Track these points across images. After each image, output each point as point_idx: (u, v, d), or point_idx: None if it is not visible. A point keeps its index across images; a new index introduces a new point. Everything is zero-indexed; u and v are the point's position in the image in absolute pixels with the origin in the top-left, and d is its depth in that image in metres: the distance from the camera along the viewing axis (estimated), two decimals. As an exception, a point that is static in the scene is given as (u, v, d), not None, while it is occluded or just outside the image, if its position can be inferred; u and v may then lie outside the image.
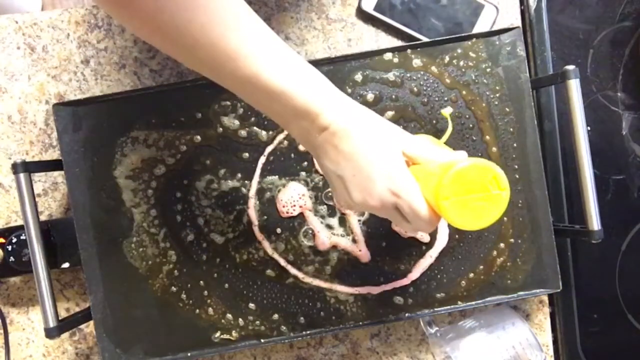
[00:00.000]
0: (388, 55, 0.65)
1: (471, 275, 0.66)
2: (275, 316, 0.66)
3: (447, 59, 0.65)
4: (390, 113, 0.65)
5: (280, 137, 0.65)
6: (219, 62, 0.46)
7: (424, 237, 0.65)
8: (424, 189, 0.47)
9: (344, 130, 0.47)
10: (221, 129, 0.65)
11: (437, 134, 0.65)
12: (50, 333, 0.60)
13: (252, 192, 0.65)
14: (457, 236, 0.65)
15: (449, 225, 0.65)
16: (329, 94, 0.48)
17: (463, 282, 0.65)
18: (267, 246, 0.65)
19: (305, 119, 0.48)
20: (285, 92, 0.46)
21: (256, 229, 0.65)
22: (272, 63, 0.46)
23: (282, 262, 0.65)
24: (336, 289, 0.65)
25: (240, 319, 0.66)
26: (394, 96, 0.65)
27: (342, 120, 0.47)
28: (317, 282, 0.65)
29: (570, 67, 0.60)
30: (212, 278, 0.65)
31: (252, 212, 0.65)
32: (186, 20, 0.44)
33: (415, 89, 0.65)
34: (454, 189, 0.45)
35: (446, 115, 0.63)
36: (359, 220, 0.65)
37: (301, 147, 0.65)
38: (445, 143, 0.57)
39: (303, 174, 0.65)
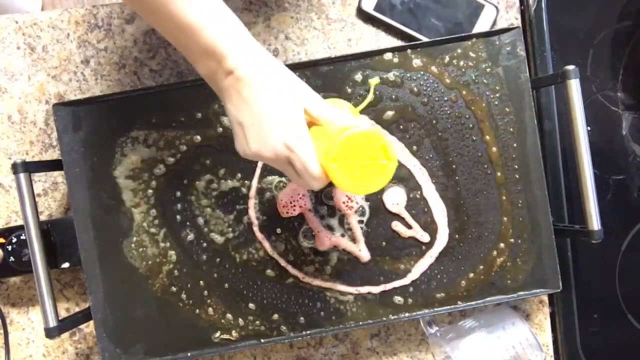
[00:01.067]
0: (388, 55, 0.65)
1: (471, 275, 0.66)
2: (275, 316, 0.66)
3: (447, 59, 0.65)
4: (390, 113, 0.65)
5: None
6: None
7: (424, 237, 0.65)
8: (318, 149, 0.48)
9: (249, 77, 0.47)
10: (221, 129, 0.65)
11: (438, 134, 0.65)
12: (50, 333, 0.60)
13: (252, 192, 0.65)
14: (457, 236, 0.65)
15: (449, 225, 0.65)
16: (239, 39, 0.48)
17: (463, 282, 0.65)
18: (267, 246, 0.65)
19: (212, 59, 0.48)
20: (194, 26, 0.47)
21: (256, 229, 0.65)
22: None
23: (282, 262, 0.65)
24: (336, 289, 0.65)
25: (240, 319, 0.66)
26: (394, 96, 0.65)
27: (248, 67, 0.47)
28: (317, 282, 0.65)
29: (570, 67, 0.60)
30: (212, 278, 0.65)
31: (252, 212, 0.65)
32: None
33: (415, 89, 0.65)
34: (343, 153, 0.47)
35: (371, 84, 0.63)
36: (359, 221, 0.65)
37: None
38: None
39: (303, 174, 0.65)
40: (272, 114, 0.47)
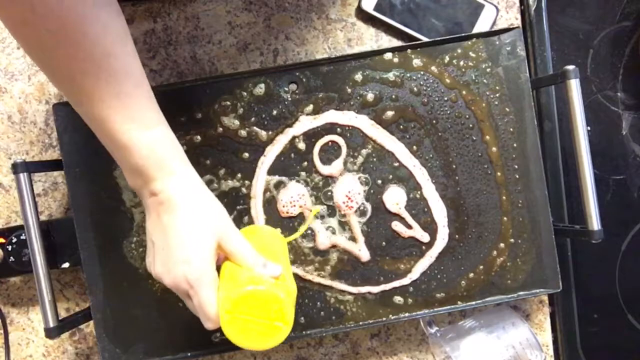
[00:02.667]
0: (388, 55, 0.65)
1: (471, 275, 0.66)
2: (275, 316, 0.66)
3: (447, 59, 0.65)
4: (390, 113, 0.65)
5: (281, 137, 0.65)
6: (76, 94, 0.47)
7: (424, 237, 0.65)
8: (223, 288, 0.48)
9: (170, 203, 0.49)
10: (221, 129, 0.65)
11: (438, 134, 0.65)
12: (50, 333, 0.60)
13: (252, 192, 0.65)
14: (457, 236, 0.65)
15: (449, 225, 0.65)
16: (169, 164, 0.49)
17: (463, 282, 0.65)
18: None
19: (139, 178, 0.49)
20: (126, 146, 0.47)
21: (256, 229, 0.65)
22: (121, 115, 0.46)
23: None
24: (336, 289, 0.65)
25: (240, 319, 0.65)
26: (394, 96, 0.65)
27: (171, 193, 0.49)
28: (317, 282, 0.65)
29: (570, 67, 0.60)
30: (212, 278, 0.65)
31: (252, 212, 0.65)
32: (52, 43, 0.43)
33: (415, 89, 0.65)
34: (239, 307, 0.47)
35: (312, 213, 0.64)
36: (359, 221, 0.65)
37: (301, 147, 0.65)
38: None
39: (303, 174, 0.65)
40: (182, 247, 0.48)
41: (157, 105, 0.50)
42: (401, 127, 0.65)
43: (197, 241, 0.49)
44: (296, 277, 0.65)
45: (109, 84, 0.46)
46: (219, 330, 0.65)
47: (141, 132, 0.47)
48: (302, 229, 0.62)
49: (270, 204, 0.65)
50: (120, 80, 0.46)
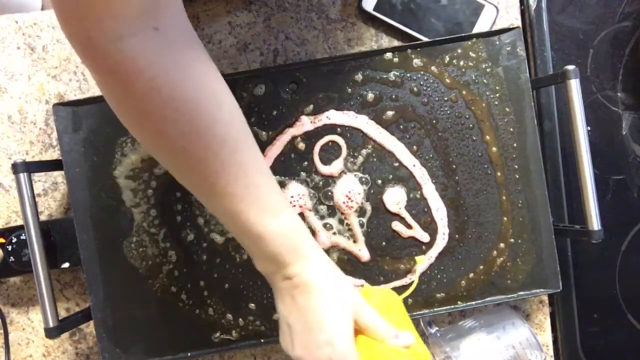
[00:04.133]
0: (388, 55, 0.65)
1: (471, 275, 0.66)
2: (276, 316, 0.65)
3: (447, 59, 0.65)
4: (390, 113, 0.65)
5: (281, 137, 0.65)
6: (208, 194, 0.48)
7: (424, 237, 0.65)
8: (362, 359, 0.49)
9: (305, 286, 0.49)
10: (221, 129, 0.65)
11: (438, 134, 0.65)
12: (50, 333, 0.60)
13: (252, 192, 0.65)
14: (457, 236, 0.65)
15: (449, 225, 0.65)
16: (302, 248, 0.49)
17: (463, 282, 0.65)
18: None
19: (273, 264, 0.50)
20: (260, 236, 0.48)
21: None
22: (255, 207, 0.47)
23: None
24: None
25: (240, 319, 0.66)
26: (394, 96, 0.65)
27: (307, 277, 0.49)
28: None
29: (570, 67, 0.60)
30: (212, 278, 0.65)
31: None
32: (185, 150, 0.45)
33: (415, 89, 0.65)
34: None
35: (419, 261, 0.64)
36: (359, 221, 0.65)
37: (301, 147, 0.65)
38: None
39: (303, 174, 0.65)
40: (324, 328, 0.48)
41: (278, 185, 0.50)
42: (401, 127, 0.65)
43: (337, 321, 0.49)
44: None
45: (238, 179, 0.46)
46: (219, 330, 0.65)
47: (273, 220, 0.48)
48: (414, 285, 0.63)
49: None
50: (248, 172, 0.47)
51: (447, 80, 0.65)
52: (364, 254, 0.65)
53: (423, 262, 0.64)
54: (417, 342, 0.52)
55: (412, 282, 0.64)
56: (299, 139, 0.65)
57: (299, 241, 0.50)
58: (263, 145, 0.65)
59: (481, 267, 0.65)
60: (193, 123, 0.43)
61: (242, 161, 0.47)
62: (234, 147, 0.46)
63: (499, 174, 0.65)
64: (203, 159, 0.45)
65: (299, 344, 0.49)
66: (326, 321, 0.48)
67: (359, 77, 0.65)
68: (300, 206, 0.65)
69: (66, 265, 0.66)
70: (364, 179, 0.65)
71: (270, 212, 0.48)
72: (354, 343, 0.49)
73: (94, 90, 0.70)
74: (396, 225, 0.65)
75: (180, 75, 0.42)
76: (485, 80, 0.65)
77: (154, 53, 0.41)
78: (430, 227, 0.65)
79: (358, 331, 0.51)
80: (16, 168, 0.59)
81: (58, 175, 0.70)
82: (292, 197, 0.65)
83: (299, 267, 0.49)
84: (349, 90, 0.65)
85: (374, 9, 0.68)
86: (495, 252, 0.65)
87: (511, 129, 0.65)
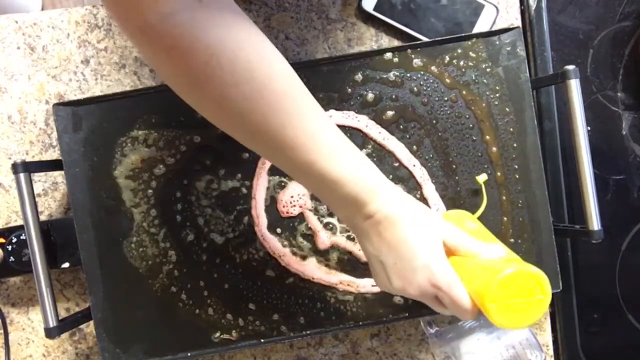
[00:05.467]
0: (388, 55, 0.65)
1: (471, 275, 0.65)
2: (275, 316, 0.66)
3: (447, 59, 0.65)
4: (390, 113, 0.65)
5: (280, 137, 0.65)
6: (277, 149, 0.48)
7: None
8: (465, 282, 0.49)
9: (389, 220, 0.49)
10: (221, 129, 0.65)
11: (438, 134, 0.65)
12: (50, 333, 0.60)
13: (253, 192, 0.65)
14: (457, 236, 0.65)
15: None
16: (377, 184, 0.50)
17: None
18: (267, 246, 0.65)
19: (352, 205, 0.50)
20: (336, 181, 0.48)
21: (256, 229, 0.65)
22: (325, 153, 0.48)
23: (282, 262, 0.65)
24: (336, 289, 0.65)
25: (240, 319, 0.66)
26: (394, 96, 0.65)
27: (388, 210, 0.49)
28: (317, 282, 0.65)
29: (570, 67, 0.60)
30: (212, 278, 0.65)
31: (253, 213, 0.65)
32: (249, 110, 0.46)
33: (415, 89, 0.65)
34: (500, 294, 0.47)
35: (480, 182, 0.64)
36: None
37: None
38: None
39: (303, 174, 0.65)
40: (417, 255, 0.48)
41: (338, 129, 0.51)
42: (401, 127, 0.65)
43: (429, 246, 0.49)
44: (296, 277, 0.65)
45: (304, 129, 0.47)
46: (219, 330, 0.65)
47: (345, 161, 0.48)
48: (484, 203, 0.63)
49: (270, 204, 0.65)
50: (313, 121, 0.48)
51: (447, 80, 0.65)
52: (364, 254, 0.65)
53: (485, 178, 0.64)
54: (508, 253, 0.52)
55: (483, 201, 0.63)
56: (299, 139, 0.65)
57: (375, 179, 0.50)
58: (263, 145, 0.65)
59: (481, 267, 0.65)
60: (252, 83, 0.45)
61: (304, 111, 0.48)
62: (293, 98, 0.47)
63: (499, 174, 0.65)
64: (267, 115, 0.46)
65: (396, 276, 0.49)
66: (417, 248, 0.48)
67: (359, 77, 0.65)
68: (301, 206, 0.65)
69: (66, 265, 0.66)
70: (364, 179, 0.65)
71: (342, 156, 0.48)
72: (447, 262, 0.49)
73: (94, 90, 0.70)
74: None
75: (231, 40, 0.44)
76: (485, 80, 0.65)
77: (205, 23, 0.43)
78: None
79: (449, 253, 0.51)
80: (16, 168, 0.59)
81: (58, 175, 0.70)
82: (292, 197, 0.65)
83: (379, 203, 0.49)
84: (349, 90, 0.65)
85: (374, 9, 0.68)
86: (495, 252, 0.65)
87: (511, 129, 0.65)
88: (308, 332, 0.66)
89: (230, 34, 0.45)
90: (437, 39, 0.65)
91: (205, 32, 0.43)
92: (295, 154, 0.47)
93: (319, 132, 0.48)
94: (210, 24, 0.44)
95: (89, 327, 0.71)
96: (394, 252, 0.49)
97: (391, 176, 0.65)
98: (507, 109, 0.65)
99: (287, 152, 0.48)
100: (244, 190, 0.65)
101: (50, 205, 0.70)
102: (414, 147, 0.65)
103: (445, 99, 0.65)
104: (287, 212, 0.65)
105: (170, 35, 0.43)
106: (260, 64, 0.46)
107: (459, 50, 0.65)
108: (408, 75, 0.65)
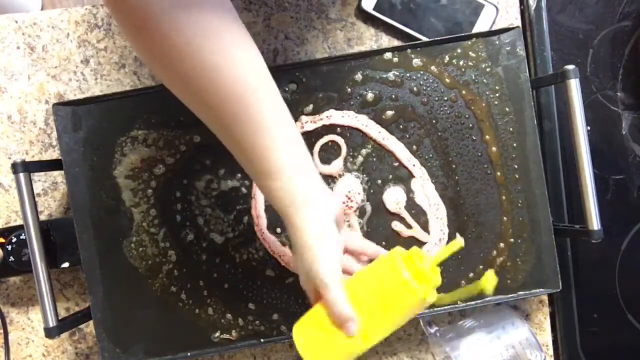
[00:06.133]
0: (388, 55, 0.65)
1: (471, 275, 0.65)
2: (275, 316, 0.66)
3: (447, 59, 0.65)
4: (390, 113, 0.65)
5: (280, 137, 0.65)
6: (222, 135, 0.51)
7: (424, 237, 0.65)
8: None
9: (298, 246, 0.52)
10: (221, 129, 0.65)
11: (438, 134, 0.65)
12: (50, 333, 0.60)
13: (253, 192, 0.65)
14: (457, 236, 0.65)
15: (449, 226, 0.65)
16: (288, 216, 0.52)
17: (463, 282, 0.65)
18: (267, 246, 0.65)
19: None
20: (262, 191, 0.53)
21: (256, 229, 0.65)
22: (254, 166, 0.51)
23: (282, 262, 0.65)
24: (336, 289, 0.65)
25: (240, 319, 0.66)
26: (394, 96, 0.65)
27: (295, 241, 0.52)
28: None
29: (570, 67, 0.60)
30: (212, 278, 0.65)
31: (253, 213, 0.65)
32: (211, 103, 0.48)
33: (415, 89, 0.65)
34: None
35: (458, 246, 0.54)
36: (359, 221, 0.65)
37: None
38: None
39: (303, 174, 0.65)
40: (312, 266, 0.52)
41: (292, 147, 0.52)
42: (401, 127, 0.65)
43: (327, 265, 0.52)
44: (296, 277, 0.65)
45: (249, 136, 0.49)
46: (219, 330, 0.65)
47: (269, 181, 0.51)
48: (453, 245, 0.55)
49: (270, 204, 0.65)
50: (259, 134, 0.49)
51: (447, 80, 0.65)
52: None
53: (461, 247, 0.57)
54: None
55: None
56: (299, 139, 0.65)
57: (287, 207, 0.51)
58: (263, 145, 0.65)
59: (481, 267, 0.65)
60: (225, 89, 0.47)
61: (257, 121, 0.49)
62: (255, 107, 0.49)
63: (499, 174, 0.65)
64: (218, 109, 0.49)
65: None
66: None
67: (359, 77, 0.65)
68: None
69: (66, 265, 0.66)
70: (364, 179, 0.65)
71: (267, 174, 0.50)
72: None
73: (94, 90, 0.70)
74: (396, 226, 0.65)
75: (210, 43, 0.46)
76: (485, 80, 0.65)
77: (195, 21, 0.45)
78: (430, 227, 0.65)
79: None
80: (16, 168, 0.59)
81: (58, 175, 0.70)
82: (292, 197, 0.65)
83: (290, 231, 0.52)
84: (349, 90, 0.65)
85: (374, 9, 0.68)
86: (495, 252, 0.65)
87: (511, 129, 0.65)
88: (308, 332, 0.65)
89: (213, 37, 0.46)
90: (437, 39, 0.65)
91: (194, 30, 0.45)
92: (237, 150, 0.51)
93: (258, 146, 0.50)
94: (201, 24, 0.45)
95: (89, 327, 0.71)
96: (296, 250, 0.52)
97: (391, 176, 0.65)
98: (507, 109, 0.65)
99: (231, 143, 0.51)
100: (244, 190, 0.65)
101: (50, 205, 0.70)
102: (414, 147, 0.65)
103: (445, 99, 0.65)
104: (287, 212, 0.65)
105: (166, 28, 0.44)
106: (235, 73, 0.47)
107: (459, 50, 0.65)
108: (408, 75, 0.65)
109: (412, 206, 0.65)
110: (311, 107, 0.65)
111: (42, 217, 0.70)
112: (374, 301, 0.50)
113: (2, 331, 0.70)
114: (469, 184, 0.65)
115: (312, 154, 0.65)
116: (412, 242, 0.65)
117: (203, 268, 0.65)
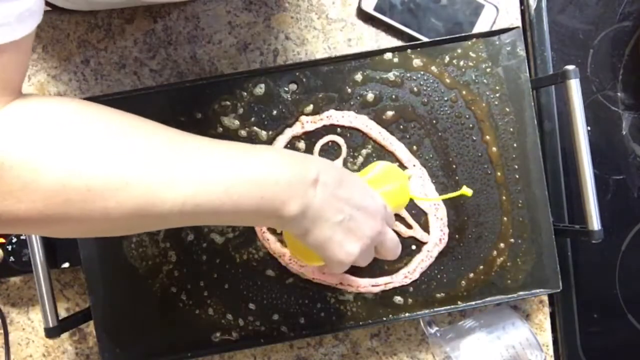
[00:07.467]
0: (388, 55, 0.65)
1: (471, 275, 0.66)
2: (275, 316, 0.66)
3: (447, 59, 0.65)
4: (390, 113, 0.65)
5: (280, 137, 0.65)
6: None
7: (424, 237, 0.65)
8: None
9: (335, 174, 0.51)
10: (221, 128, 0.65)
11: (438, 134, 0.65)
12: (50, 333, 0.60)
13: (252, 192, 0.65)
14: (457, 236, 0.65)
15: (449, 225, 0.65)
16: (304, 161, 0.49)
17: (463, 282, 0.65)
18: (267, 246, 0.65)
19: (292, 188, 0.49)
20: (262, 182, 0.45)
21: (257, 229, 0.65)
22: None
23: (282, 262, 0.65)
24: (336, 289, 0.65)
25: (240, 319, 0.66)
26: (394, 96, 0.65)
27: (327, 167, 0.51)
28: (317, 282, 0.65)
29: (570, 67, 0.60)
30: (212, 278, 0.65)
31: (252, 212, 0.65)
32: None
33: (415, 89, 0.65)
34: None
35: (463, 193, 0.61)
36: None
37: (301, 147, 0.65)
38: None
39: (303, 174, 0.65)
40: (371, 192, 0.54)
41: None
42: (401, 127, 0.65)
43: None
44: (296, 277, 0.65)
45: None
46: (219, 330, 0.65)
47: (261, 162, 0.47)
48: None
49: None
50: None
51: (447, 80, 0.65)
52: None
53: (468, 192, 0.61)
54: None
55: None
56: (299, 139, 0.65)
57: (305, 178, 0.47)
58: (263, 145, 0.65)
59: (481, 267, 0.65)
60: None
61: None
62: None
63: (499, 174, 0.65)
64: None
65: (351, 233, 0.48)
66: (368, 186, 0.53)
67: (358, 77, 0.65)
68: (300, 206, 0.65)
69: (66, 265, 0.66)
70: (364, 179, 0.65)
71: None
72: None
73: (94, 90, 0.70)
74: (396, 225, 0.65)
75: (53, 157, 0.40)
76: (485, 80, 0.65)
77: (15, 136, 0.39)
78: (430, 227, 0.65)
79: None
80: (16, 168, 0.59)
81: (58, 175, 0.70)
82: (292, 197, 0.65)
83: (316, 166, 0.48)
84: (349, 90, 0.65)
85: (374, 9, 0.69)
86: (495, 252, 0.65)
87: (511, 129, 0.65)
88: (308, 332, 0.66)
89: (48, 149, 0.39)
90: (437, 39, 0.65)
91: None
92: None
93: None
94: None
95: (89, 327, 0.71)
96: (353, 200, 0.48)
97: (391, 176, 0.65)
98: (507, 109, 0.65)
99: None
100: (244, 190, 0.65)
101: (50, 205, 0.70)
102: (414, 147, 0.65)
103: (445, 99, 0.65)
104: (287, 212, 0.65)
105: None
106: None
107: (459, 50, 0.65)
108: (408, 75, 0.65)
109: (412, 206, 0.65)
110: (311, 107, 0.65)
111: (42, 217, 0.70)
112: None
113: (2, 331, 0.70)
114: (469, 184, 0.65)
115: (312, 154, 0.65)
116: (411, 242, 0.65)
117: (203, 268, 0.65)
